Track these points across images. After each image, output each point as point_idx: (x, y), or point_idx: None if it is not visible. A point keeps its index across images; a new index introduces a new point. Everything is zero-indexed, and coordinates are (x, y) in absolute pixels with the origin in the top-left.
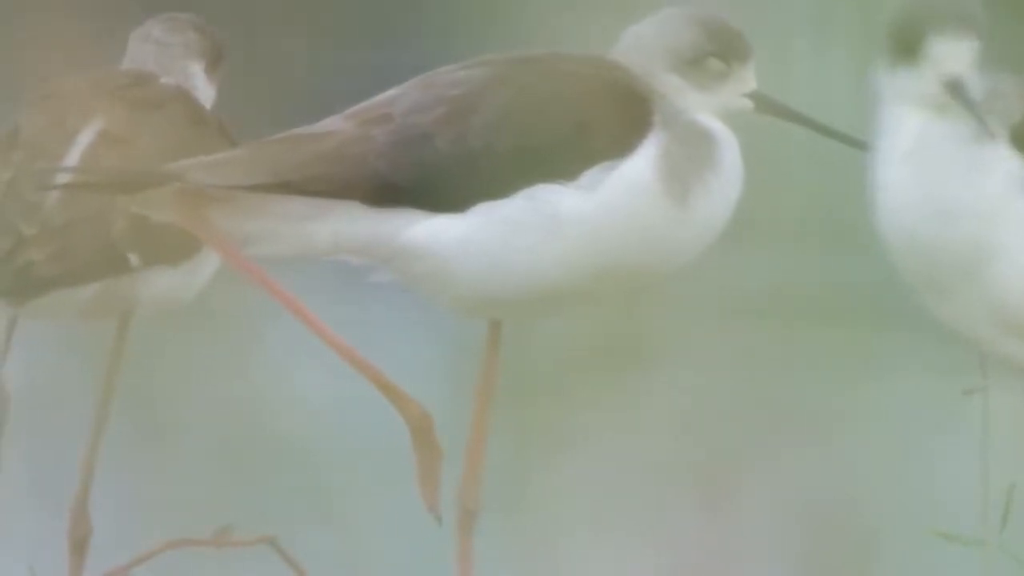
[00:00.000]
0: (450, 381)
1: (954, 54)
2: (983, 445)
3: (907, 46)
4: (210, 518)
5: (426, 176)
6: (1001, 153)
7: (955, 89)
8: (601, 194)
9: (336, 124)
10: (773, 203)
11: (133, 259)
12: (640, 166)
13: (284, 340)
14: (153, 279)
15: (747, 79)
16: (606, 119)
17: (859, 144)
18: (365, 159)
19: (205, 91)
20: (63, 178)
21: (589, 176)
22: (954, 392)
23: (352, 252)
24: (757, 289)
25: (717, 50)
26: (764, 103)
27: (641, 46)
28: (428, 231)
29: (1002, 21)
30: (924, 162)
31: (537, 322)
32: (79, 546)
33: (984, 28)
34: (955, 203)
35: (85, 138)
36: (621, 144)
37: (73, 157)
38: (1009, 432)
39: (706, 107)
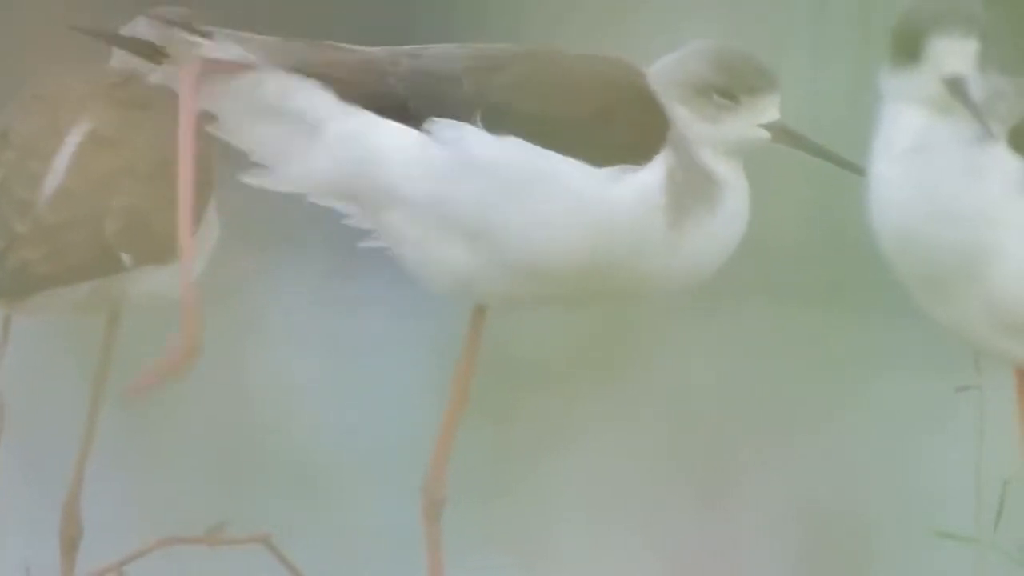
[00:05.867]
0: (438, 369)
1: (955, 53)
2: (977, 442)
3: (909, 46)
4: (203, 516)
5: (443, 111)
6: (1000, 154)
7: (956, 88)
8: (614, 192)
9: (371, 48)
10: (767, 200)
11: (126, 259)
12: (653, 177)
13: (277, 338)
14: (144, 277)
15: (763, 110)
16: (627, 115)
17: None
18: (385, 77)
19: None
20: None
21: (610, 171)
22: (948, 390)
23: (349, 180)
24: (751, 288)
25: (723, 82)
26: (782, 134)
27: (658, 76)
28: (454, 154)
29: (1003, 22)
30: (923, 162)
31: (525, 313)
32: (71, 545)
33: (984, 28)
34: (954, 204)
35: (75, 138)
36: (640, 147)
37: (63, 157)
38: (1003, 429)
39: (715, 138)
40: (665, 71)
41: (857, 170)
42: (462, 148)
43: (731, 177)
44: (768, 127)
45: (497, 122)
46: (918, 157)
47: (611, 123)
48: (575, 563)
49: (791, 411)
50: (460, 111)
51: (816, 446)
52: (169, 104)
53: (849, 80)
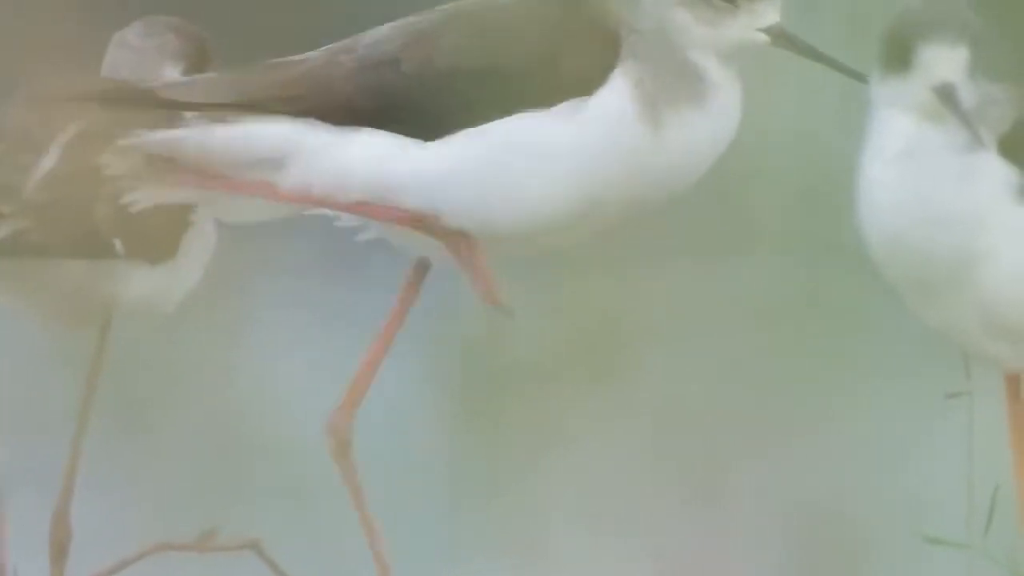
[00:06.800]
0: (431, 375)
1: (945, 61)
2: (968, 448)
3: (899, 54)
4: (194, 522)
5: (394, 99)
6: (990, 161)
7: (945, 96)
8: (578, 123)
9: (309, 54)
10: (758, 206)
11: (118, 245)
12: (613, 96)
13: (267, 344)
14: (135, 278)
15: (762, 13)
16: (573, 52)
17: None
18: (331, 81)
19: None
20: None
21: (564, 107)
22: (939, 395)
23: (325, 193)
24: (741, 293)
25: None
26: (780, 37)
27: None
28: (415, 162)
29: (993, 29)
30: (914, 168)
31: (517, 321)
32: (60, 551)
33: (975, 36)
34: (944, 209)
35: (67, 134)
36: (589, 77)
37: (55, 148)
38: (993, 435)
39: (714, 41)
40: None
41: (857, 76)
42: (418, 167)
43: (723, 78)
44: (767, 31)
45: (445, 91)
46: (909, 163)
47: (559, 62)
48: (571, 564)
49: (783, 416)
50: (406, 95)
51: (808, 451)
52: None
53: (839, 81)
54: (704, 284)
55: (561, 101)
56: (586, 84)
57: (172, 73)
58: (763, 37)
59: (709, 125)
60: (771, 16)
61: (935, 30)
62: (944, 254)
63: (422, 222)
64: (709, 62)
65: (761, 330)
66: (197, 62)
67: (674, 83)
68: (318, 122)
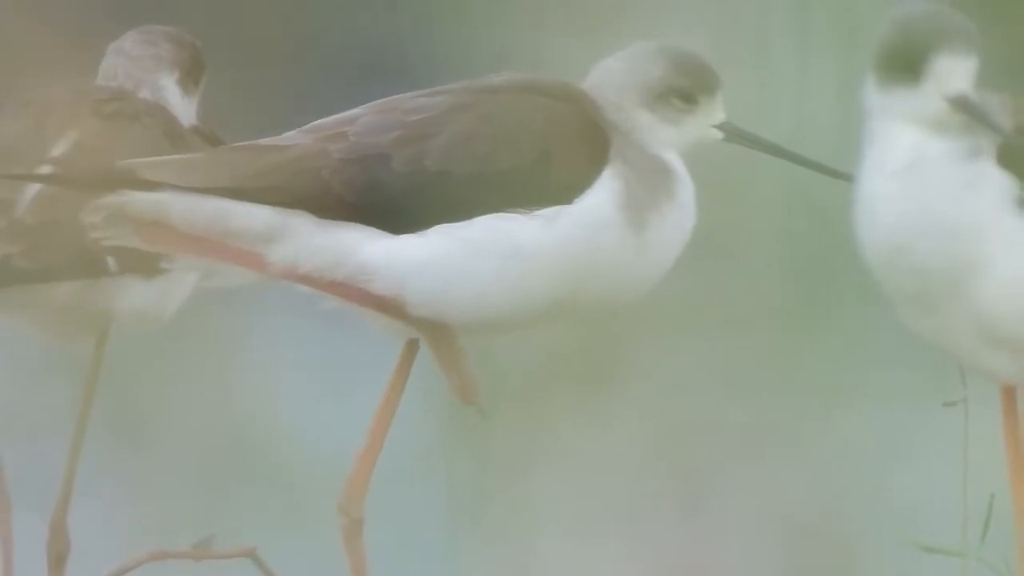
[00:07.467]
0: (427, 385)
1: (957, 71)
2: (963, 456)
3: (907, 65)
4: (190, 531)
5: (381, 196)
6: (990, 170)
7: (963, 105)
8: (562, 226)
9: (295, 138)
10: (750, 215)
11: (111, 262)
12: (601, 199)
13: (263, 355)
14: (128, 291)
15: (716, 110)
16: (565, 155)
17: (831, 172)
18: (318, 174)
19: (179, 103)
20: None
21: (548, 211)
22: (934, 404)
23: (309, 272)
24: (734, 301)
25: (684, 84)
26: (734, 133)
27: (612, 82)
28: (387, 249)
29: (989, 36)
30: (916, 179)
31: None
32: (58, 561)
33: (979, 46)
34: (946, 220)
35: (60, 147)
36: (578, 182)
37: (46, 167)
38: (989, 443)
39: (675, 140)
40: (621, 76)
41: (811, 165)
42: (387, 252)
43: (683, 171)
44: (720, 127)
45: (434, 193)
46: (911, 174)
47: (551, 165)
48: (565, 574)
49: (777, 424)
50: (394, 193)
51: (803, 459)
52: (155, 118)
53: (834, 82)
54: (698, 291)
55: (546, 206)
56: (574, 190)
57: (167, 81)
58: (718, 133)
59: (680, 219)
60: (720, 113)
61: (946, 40)
62: (944, 265)
63: (389, 308)
64: (672, 157)
65: (755, 338)
66: (192, 70)
67: (653, 180)
68: (305, 213)
